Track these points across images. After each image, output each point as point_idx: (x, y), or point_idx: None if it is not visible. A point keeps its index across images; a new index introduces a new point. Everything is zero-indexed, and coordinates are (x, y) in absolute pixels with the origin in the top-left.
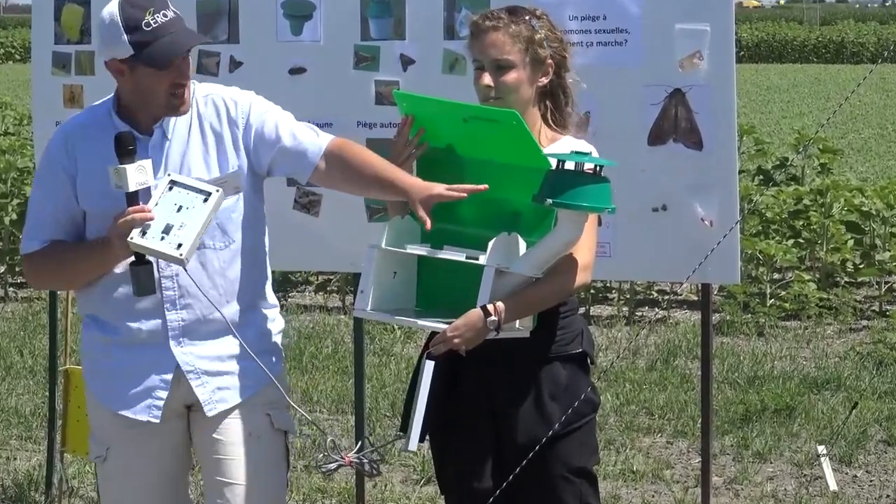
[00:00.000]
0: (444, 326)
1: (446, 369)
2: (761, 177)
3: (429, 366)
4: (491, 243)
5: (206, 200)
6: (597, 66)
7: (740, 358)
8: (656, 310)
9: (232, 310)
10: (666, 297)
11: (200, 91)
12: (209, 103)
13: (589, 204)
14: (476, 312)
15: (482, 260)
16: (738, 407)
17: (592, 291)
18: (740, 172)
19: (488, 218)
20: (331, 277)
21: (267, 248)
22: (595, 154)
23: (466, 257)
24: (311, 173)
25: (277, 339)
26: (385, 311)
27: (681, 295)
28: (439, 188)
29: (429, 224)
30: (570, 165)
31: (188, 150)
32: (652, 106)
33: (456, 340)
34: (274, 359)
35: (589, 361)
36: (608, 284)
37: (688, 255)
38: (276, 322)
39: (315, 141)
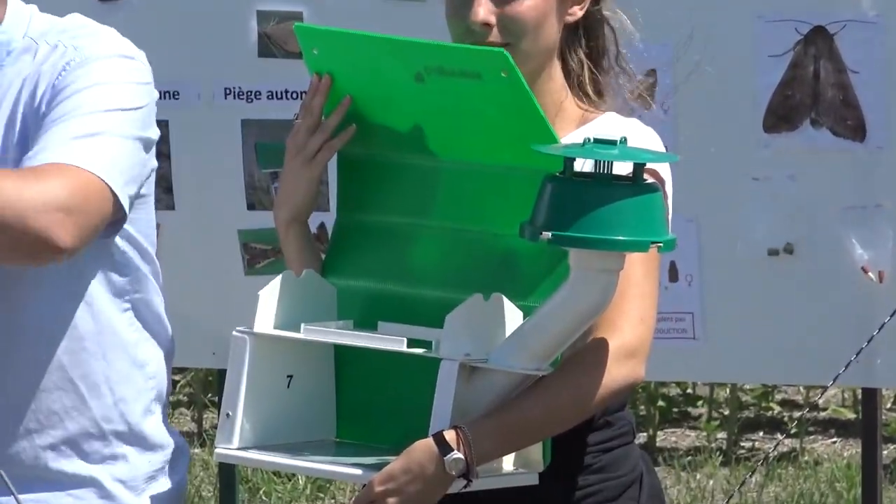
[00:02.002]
0: (372, 475)
1: None
2: None
3: None
4: (449, 318)
5: None
6: None
7: None
8: (778, 437)
9: (48, 453)
10: (797, 416)
11: (50, 26)
12: (54, 54)
13: (625, 236)
14: (424, 448)
15: (436, 349)
16: None
17: (662, 404)
18: None
19: (462, 268)
20: (176, 378)
21: (158, 329)
22: (645, 139)
23: (409, 345)
24: None
25: None
26: (270, 448)
27: (824, 410)
28: None
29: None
30: (581, 164)
31: None
32: (772, 59)
33: (391, 500)
34: None
35: None
36: (691, 391)
37: (835, 335)
38: (159, 484)
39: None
